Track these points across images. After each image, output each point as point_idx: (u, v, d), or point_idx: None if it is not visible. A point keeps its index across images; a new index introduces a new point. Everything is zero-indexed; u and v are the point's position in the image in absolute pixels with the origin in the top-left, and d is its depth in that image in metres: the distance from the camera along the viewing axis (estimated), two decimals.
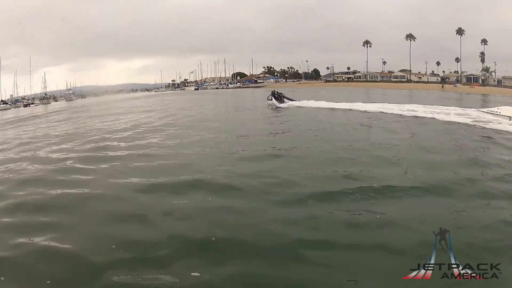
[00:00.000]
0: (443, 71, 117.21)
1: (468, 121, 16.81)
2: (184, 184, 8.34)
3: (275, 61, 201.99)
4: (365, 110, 23.09)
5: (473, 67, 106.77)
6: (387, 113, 21.18)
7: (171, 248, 5.32)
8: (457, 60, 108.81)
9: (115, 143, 14.75)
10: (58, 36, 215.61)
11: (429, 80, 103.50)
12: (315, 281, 4.45)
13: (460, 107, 21.95)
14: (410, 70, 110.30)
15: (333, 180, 8.39)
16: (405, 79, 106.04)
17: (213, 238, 5.53)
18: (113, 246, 5.43)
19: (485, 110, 19.07)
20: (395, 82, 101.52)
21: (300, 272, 4.61)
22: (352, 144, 12.28)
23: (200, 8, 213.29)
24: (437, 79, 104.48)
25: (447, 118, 17.85)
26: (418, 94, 47.54)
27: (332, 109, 25.40)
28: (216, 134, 15.97)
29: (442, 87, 68.05)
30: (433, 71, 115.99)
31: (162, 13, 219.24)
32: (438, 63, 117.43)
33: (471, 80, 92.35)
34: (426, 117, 18.72)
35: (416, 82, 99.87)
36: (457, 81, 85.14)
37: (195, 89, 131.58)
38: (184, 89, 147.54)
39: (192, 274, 4.61)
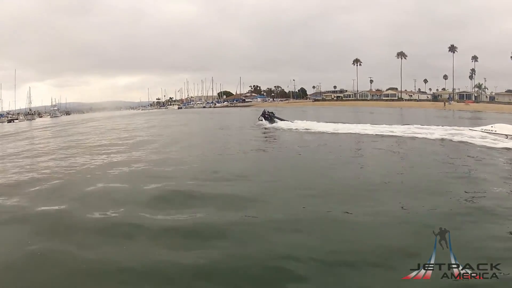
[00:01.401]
0: (430, 89, 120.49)
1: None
2: None
3: (259, 80, 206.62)
4: (376, 133, 20.10)
5: (461, 84, 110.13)
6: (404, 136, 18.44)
7: None
8: (445, 77, 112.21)
9: None
10: (43, 51, 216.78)
11: (419, 98, 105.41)
12: (315, 281, 4.51)
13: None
14: (401, 88, 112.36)
15: (332, 181, 8.81)
16: (396, 97, 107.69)
17: None
18: None
19: (478, 129, 18.74)
20: (386, 100, 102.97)
21: (301, 273, 4.67)
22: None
23: (185, 27, 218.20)
24: (427, 97, 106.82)
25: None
26: (430, 113, 46.12)
27: (327, 132, 21.31)
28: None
29: (444, 105, 68.29)
30: (419, 89, 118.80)
31: (146, 31, 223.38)
32: (425, 81, 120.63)
33: (464, 97, 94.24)
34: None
35: (408, 100, 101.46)
36: (450, 98, 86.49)
37: (178, 108, 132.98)
38: (167, 107, 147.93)
39: None
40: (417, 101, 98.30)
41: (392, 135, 18.93)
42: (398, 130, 20.76)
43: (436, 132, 18.85)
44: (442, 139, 16.65)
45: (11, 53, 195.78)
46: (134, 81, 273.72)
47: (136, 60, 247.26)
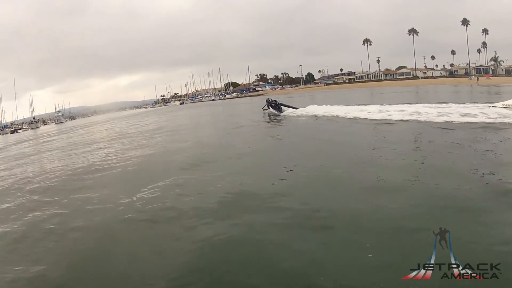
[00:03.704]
0: (436, 65, 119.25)
1: None
2: None
3: (263, 68, 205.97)
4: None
5: (468, 59, 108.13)
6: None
7: None
8: (453, 52, 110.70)
9: None
10: (40, 58, 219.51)
11: (434, 75, 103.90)
12: (316, 280, 4.72)
13: None
14: (415, 66, 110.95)
15: (335, 177, 9.18)
16: (411, 76, 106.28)
17: None
18: None
19: (499, 104, 18.05)
20: (401, 79, 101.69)
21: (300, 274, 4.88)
22: None
23: (182, 21, 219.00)
24: (441, 73, 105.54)
25: None
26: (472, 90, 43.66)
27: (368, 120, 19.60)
28: None
29: (477, 80, 65.25)
30: (426, 66, 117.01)
31: (143, 28, 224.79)
32: (433, 57, 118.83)
33: (481, 71, 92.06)
34: None
35: (424, 78, 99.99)
36: (467, 72, 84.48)
37: (180, 104, 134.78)
38: (168, 104, 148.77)
39: None
40: (434, 78, 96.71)
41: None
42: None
43: None
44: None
45: (9, 63, 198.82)
46: (135, 79, 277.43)
47: (135, 58, 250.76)
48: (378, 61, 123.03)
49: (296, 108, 29.85)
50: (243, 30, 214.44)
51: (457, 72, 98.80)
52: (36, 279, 5.72)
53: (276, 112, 30.24)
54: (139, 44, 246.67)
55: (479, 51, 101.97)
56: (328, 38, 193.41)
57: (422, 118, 17.77)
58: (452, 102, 22.07)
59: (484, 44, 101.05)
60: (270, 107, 31.65)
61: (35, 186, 12.69)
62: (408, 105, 23.27)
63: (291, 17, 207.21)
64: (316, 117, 24.46)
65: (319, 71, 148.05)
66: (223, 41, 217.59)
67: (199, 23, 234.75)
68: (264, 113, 31.81)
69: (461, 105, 20.62)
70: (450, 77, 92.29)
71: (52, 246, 6.98)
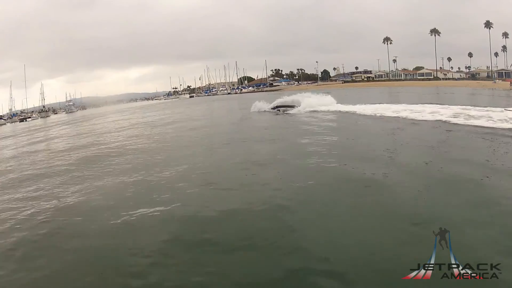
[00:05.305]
0: (451, 67, 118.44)
1: None
2: None
3: (276, 64, 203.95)
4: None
5: (484, 62, 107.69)
6: None
7: None
8: (470, 55, 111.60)
9: None
10: (51, 49, 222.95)
11: (453, 77, 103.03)
12: (316, 280, 4.85)
13: None
14: (436, 67, 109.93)
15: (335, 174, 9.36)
16: (432, 77, 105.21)
17: None
18: None
19: None
20: (422, 80, 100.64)
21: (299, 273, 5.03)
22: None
23: (192, 16, 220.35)
24: (460, 75, 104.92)
25: None
26: None
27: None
28: None
29: (511, 84, 60.93)
30: (441, 67, 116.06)
31: (153, 21, 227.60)
32: (449, 59, 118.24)
33: (503, 75, 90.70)
34: None
35: (445, 79, 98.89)
36: (489, 76, 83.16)
37: (190, 97, 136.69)
38: (178, 97, 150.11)
39: None
40: (456, 80, 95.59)
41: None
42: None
43: None
44: None
45: (20, 52, 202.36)
46: (146, 72, 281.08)
47: (146, 51, 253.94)
48: (394, 61, 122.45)
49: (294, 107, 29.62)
50: (255, 27, 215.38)
51: (479, 75, 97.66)
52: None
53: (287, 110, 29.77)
54: (150, 37, 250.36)
55: (496, 54, 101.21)
56: (340, 36, 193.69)
57: None
58: None
59: (504, 48, 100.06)
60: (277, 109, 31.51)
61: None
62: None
63: (303, 14, 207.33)
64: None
65: (334, 69, 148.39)
66: (233, 38, 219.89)
67: (210, 17, 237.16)
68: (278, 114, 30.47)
69: None
70: (472, 79, 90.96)
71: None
